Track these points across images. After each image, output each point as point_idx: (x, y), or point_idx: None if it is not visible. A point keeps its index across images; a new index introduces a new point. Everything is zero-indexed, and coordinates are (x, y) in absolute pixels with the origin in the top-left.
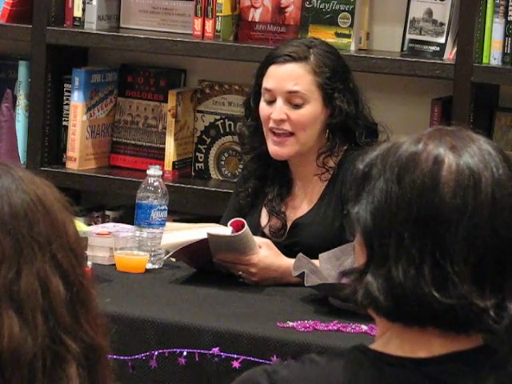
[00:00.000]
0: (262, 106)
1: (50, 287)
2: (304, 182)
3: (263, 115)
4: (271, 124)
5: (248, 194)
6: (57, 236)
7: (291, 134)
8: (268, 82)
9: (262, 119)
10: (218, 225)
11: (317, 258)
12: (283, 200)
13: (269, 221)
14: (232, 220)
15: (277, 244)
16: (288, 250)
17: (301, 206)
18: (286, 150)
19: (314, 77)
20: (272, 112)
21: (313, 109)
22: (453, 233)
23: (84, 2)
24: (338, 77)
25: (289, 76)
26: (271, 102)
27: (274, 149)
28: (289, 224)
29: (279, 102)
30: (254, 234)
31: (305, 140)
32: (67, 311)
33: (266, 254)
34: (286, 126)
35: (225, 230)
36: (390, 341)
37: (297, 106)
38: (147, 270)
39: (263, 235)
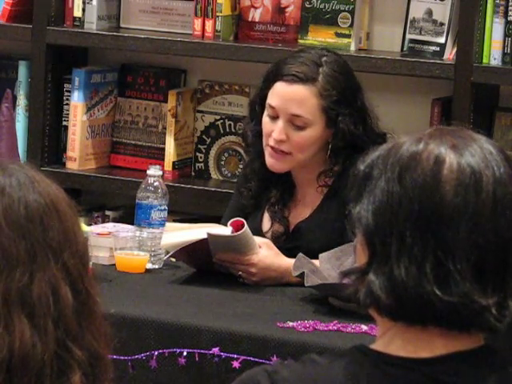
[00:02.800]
0: (265, 120)
1: (61, 295)
2: (306, 190)
3: (265, 130)
4: (271, 142)
5: (251, 195)
6: (68, 244)
7: (289, 153)
8: (273, 100)
9: (263, 132)
10: (218, 225)
11: (317, 259)
12: (286, 205)
13: (271, 226)
14: (232, 220)
15: (278, 248)
16: (290, 254)
17: (303, 210)
18: (283, 164)
19: (320, 100)
20: (273, 129)
21: (314, 132)
22: (454, 231)
23: (84, 2)
24: (344, 99)
25: (294, 98)
26: (274, 118)
27: (270, 162)
28: (291, 229)
29: (281, 122)
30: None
31: (302, 159)
32: (74, 319)
33: (265, 253)
34: (285, 147)
35: (225, 230)
36: (391, 341)
37: (298, 128)
38: (147, 270)
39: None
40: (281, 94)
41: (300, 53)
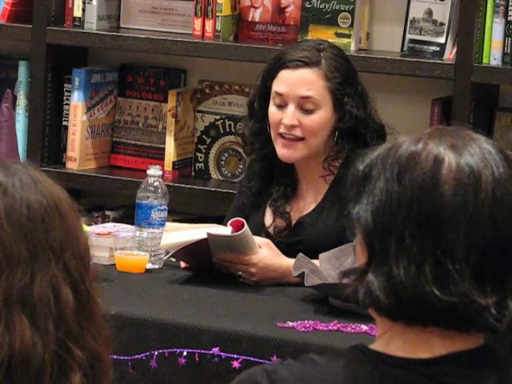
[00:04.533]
0: (272, 110)
1: (61, 295)
2: (309, 182)
3: (273, 120)
4: (282, 129)
5: (252, 193)
6: (70, 244)
7: (301, 138)
8: (280, 87)
9: (271, 123)
10: (218, 225)
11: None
12: (288, 200)
13: (273, 221)
14: (232, 220)
15: (280, 243)
16: (291, 249)
17: (305, 205)
18: (296, 153)
19: (326, 82)
20: (283, 117)
21: (324, 114)
22: (453, 231)
23: (84, 2)
24: (348, 81)
25: (302, 81)
26: (282, 107)
27: (283, 152)
28: (293, 223)
29: (291, 107)
30: (258, 233)
31: (314, 145)
32: (75, 320)
33: (265, 253)
34: (297, 132)
35: (225, 230)
36: (391, 341)
37: (308, 112)
38: (147, 270)
39: (267, 235)
40: (287, 79)
41: (297, 44)
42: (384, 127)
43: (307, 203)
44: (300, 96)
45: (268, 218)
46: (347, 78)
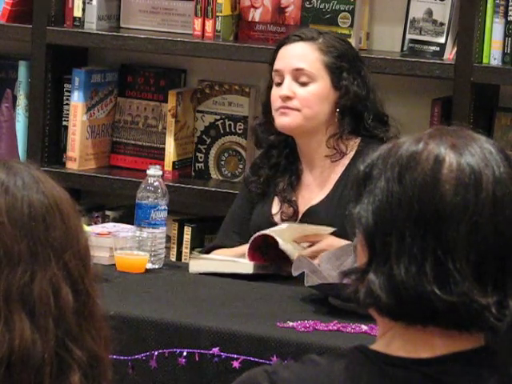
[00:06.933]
0: (273, 90)
1: (61, 294)
2: (314, 166)
3: (273, 96)
4: (279, 103)
5: (260, 182)
6: (70, 244)
7: (297, 109)
8: (277, 64)
9: (272, 102)
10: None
11: None
12: (294, 189)
13: (280, 208)
14: (249, 244)
15: None
16: None
17: (312, 194)
18: (292, 120)
19: (321, 55)
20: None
21: (320, 87)
22: (454, 230)
23: (84, 2)
24: (345, 58)
25: (295, 54)
26: (280, 84)
27: (280, 121)
28: (301, 212)
29: (287, 79)
30: (265, 222)
31: (310, 116)
32: (74, 320)
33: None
34: (293, 103)
35: (280, 227)
36: (391, 341)
37: (304, 84)
38: (147, 270)
39: (272, 223)
40: (283, 54)
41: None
42: (388, 117)
43: (314, 192)
44: (294, 68)
45: (275, 208)
46: (345, 55)
